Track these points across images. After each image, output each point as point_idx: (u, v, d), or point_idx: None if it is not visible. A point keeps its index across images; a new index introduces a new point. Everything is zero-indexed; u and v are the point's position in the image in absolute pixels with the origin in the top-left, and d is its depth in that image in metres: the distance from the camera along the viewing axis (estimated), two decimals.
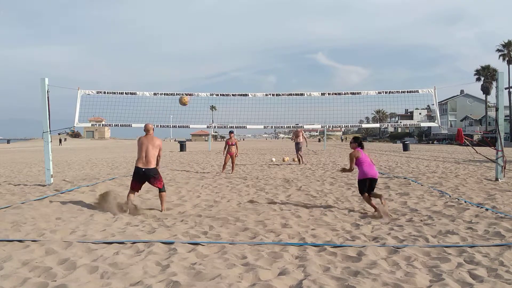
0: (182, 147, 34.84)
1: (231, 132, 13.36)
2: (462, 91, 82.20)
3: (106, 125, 12.86)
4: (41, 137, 10.48)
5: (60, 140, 68.22)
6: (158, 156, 6.91)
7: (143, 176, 6.76)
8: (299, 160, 16.92)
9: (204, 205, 7.45)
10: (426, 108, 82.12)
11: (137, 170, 6.77)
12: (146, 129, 7.03)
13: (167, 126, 12.15)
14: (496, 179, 10.18)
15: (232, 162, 13.35)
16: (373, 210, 6.40)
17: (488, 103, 64.08)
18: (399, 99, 12.16)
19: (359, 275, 3.60)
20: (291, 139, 17.72)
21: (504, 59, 57.77)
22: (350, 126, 12.61)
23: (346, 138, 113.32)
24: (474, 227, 5.35)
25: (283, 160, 19.07)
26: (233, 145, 13.21)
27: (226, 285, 3.40)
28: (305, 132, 16.85)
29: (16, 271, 3.74)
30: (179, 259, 4.08)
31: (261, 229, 5.40)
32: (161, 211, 6.82)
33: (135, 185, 6.86)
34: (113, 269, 3.81)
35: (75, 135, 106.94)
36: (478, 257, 4.06)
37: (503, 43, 57.35)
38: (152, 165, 6.76)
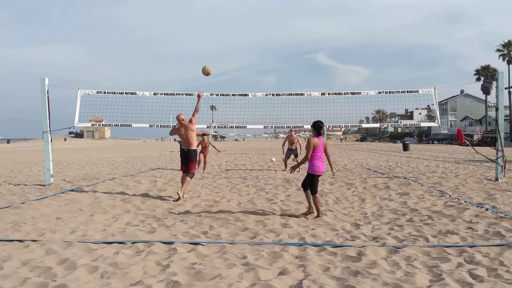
0: None
1: (204, 135, 14.01)
2: (462, 91, 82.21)
3: (106, 125, 12.86)
4: (41, 137, 10.49)
5: (51, 140, 66.99)
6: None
7: (186, 155, 8.00)
8: (286, 165, 14.17)
9: (204, 205, 7.45)
10: (426, 108, 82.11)
11: (182, 152, 8.19)
12: (179, 120, 8.18)
13: (167, 126, 12.14)
14: (496, 179, 10.18)
15: (205, 162, 13.68)
16: (311, 212, 6.13)
17: (488, 103, 64.08)
18: (399, 99, 12.17)
19: (359, 275, 3.60)
20: (282, 144, 14.53)
21: (504, 59, 57.80)
22: (350, 126, 12.61)
23: (346, 138, 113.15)
24: (474, 227, 5.35)
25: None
26: (207, 146, 13.85)
27: (226, 285, 3.40)
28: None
29: (16, 271, 3.74)
30: (179, 259, 4.08)
31: (261, 229, 5.40)
32: (177, 198, 7.70)
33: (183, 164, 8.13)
34: (113, 269, 3.81)
35: (81, 135, 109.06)
36: (478, 257, 4.06)
37: (503, 43, 57.37)
38: (192, 147, 8.03)
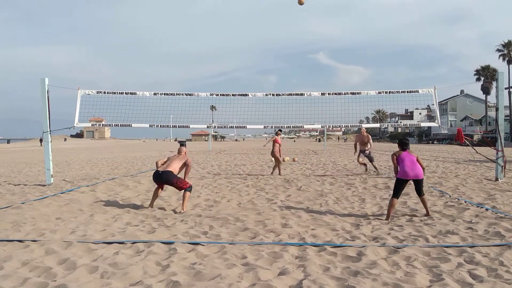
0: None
1: (279, 131, 13.16)
2: (462, 91, 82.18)
3: (106, 125, 12.85)
4: (41, 137, 10.48)
5: (41, 140, 65.75)
6: (186, 168, 7.18)
7: (159, 177, 6.94)
8: (366, 165, 12.80)
9: (204, 205, 7.45)
10: (426, 108, 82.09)
11: (155, 172, 7.04)
12: (179, 151, 7.45)
13: (167, 126, 12.16)
14: (496, 179, 10.18)
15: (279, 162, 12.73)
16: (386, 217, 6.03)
17: (488, 103, 64.08)
18: (399, 99, 12.16)
19: (359, 275, 3.60)
20: (355, 144, 12.76)
21: (504, 59, 57.80)
22: (350, 126, 12.60)
23: (347, 138, 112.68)
24: (474, 227, 5.35)
25: (283, 160, 19.01)
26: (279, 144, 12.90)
27: (226, 285, 3.40)
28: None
29: (16, 271, 3.74)
30: (179, 259, 4.08)
31: (261, 229, 5.40)
32: (180, 211, 6.74)
33: (157, 184, 7.16)
34: (113, 269, 3.81)
35: (81, 135, 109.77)
36: (478, 257, 4.06)
37: (503, 43, 57.36)
38: (170, 169, 6.92)
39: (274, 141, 12.93)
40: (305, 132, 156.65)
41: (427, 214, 6.21)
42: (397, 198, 6.13)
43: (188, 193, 6.92)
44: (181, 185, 6.90)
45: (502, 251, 4.24)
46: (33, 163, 19.14)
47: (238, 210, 6.84)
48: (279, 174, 12.51)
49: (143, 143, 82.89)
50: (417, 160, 6.17)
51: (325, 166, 16.03)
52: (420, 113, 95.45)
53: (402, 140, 6.46)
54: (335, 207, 7.08)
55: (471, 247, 4.42)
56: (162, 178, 6.90)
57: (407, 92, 11.51)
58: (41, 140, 64.10)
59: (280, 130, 13.09)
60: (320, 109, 11.71)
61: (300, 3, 9.53)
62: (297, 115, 12.07)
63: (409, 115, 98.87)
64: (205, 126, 13.58)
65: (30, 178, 12.05)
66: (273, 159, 13.20)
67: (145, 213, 6.59)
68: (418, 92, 11.48)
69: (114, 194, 8.57)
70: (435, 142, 70.29)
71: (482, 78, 62.69)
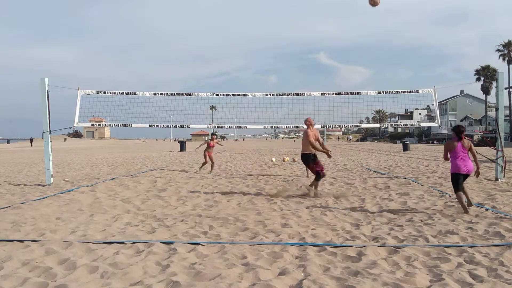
0: (182, 147, 34.90)
1: (213, 134, 14.14)
2: (462, 91, 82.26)
3: (106, 125, 12.86)
4: (41, 137, 10.49)
5: (31, 140, 62.28)
6: (310, 143, 8.30)
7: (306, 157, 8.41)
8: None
9: (204, 205, 7.45)
10: (426, 108, 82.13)
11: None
12: (311, 123, 8.63)
13: (167, 126, 12.17)
14: (496, 179, 10.18)
15: (212, 162, 13.68)
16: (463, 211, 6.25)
17: (488, 103, 64.12)
18: (399, 99, 12.18)
19: (359, 275, 3.60)
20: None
21: (504, 59, 57.86)
22: (350, 126, 12.62)
23: (351, 138, 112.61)
24: (474, 227, 5.35)
25: (283, 160, 19.09)
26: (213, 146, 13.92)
27: (226, 285, 3.40)
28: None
29: (16, 271, 3.74)
30: (179, 259, 4.08)
31: (261, 229, 5.40)
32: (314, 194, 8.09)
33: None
34: (113, 269, 3.81)
35: (79, 135, 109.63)
36: (478, 257, 4.06)
37: (503, 43, 57.42)
38: (303, 150, 8.42)
39: (208, 144, 13.77)
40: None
41: (470, 204, 6.43)
42: (460, 191, 6.32)
43: (316, 182, 8.33)
44: (318, 169, 8.29)
45: (502, 251, 4.24)
46: (33, 163, 19.14)
47: (238, 210, 6.84)
48: (210, 171, 13.28)
49: (143, 143, 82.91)
50: (470, 150, 6.37)
51: (325, 166, 16.02)
52: (420, 113, 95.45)
53: (456, 128, 6.41)
54: (335, 207, 7.08)
55: (471, 247, 4.42)
56: (302, 158, 8.58)
57: (407, 92, 11.52)
58: (31, 141, 63.33)
59: (214, 134, 13.98)
60: (320, 109, 11.74)
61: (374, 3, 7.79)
62: (297, 115, 12.09)
63: (409, 115, 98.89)
64: (205, 126, 13.59)
65: (30, 178, 12.06)
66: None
67: (145, 213, 6.59)
68: (418, 92, 11.49)
69: (114, 194, 8.57)
70: (435, 142, 70.28)
71: (482, 78, 62.75)
